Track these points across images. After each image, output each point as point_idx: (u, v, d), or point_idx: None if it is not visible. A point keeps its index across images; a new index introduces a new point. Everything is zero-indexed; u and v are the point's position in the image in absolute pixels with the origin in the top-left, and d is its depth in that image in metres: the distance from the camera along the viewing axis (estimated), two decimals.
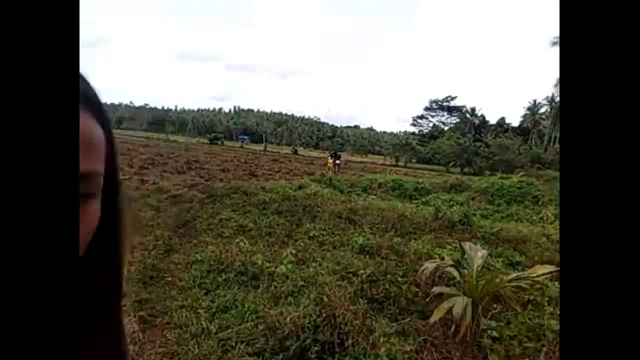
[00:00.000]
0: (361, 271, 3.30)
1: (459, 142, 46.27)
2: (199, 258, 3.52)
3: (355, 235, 4.83)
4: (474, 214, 8.91)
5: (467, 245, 3.02)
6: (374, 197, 8.57)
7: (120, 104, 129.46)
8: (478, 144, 44.95)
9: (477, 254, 2.86)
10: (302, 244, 4.29)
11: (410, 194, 12.09)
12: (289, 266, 3.40)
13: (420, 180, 14.02)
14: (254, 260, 3.43)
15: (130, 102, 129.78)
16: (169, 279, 3.32)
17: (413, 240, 4.71)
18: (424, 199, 11.48)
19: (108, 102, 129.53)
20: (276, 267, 3.37)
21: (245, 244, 4.02)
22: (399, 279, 3.30)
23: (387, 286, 3.13)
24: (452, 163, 41.54)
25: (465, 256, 2.98)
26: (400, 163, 46.95)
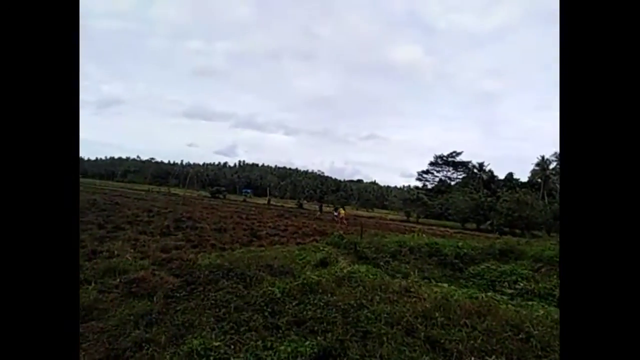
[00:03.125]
0: None
1: (472, 197, 44.25)
2: None
3: None
4: None
5: None
6: (443, 283, 5.92)
7: (127, 158, 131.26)
8: (490, 199, 42.82)
9: None
10: None
11: (451, 262, 9.75)
12: None
13: (460, 243, 11.43)
14: None
15: (137, 157, 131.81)
16: None
17: None
18: (472, 270, 8.99)
19: (115, 157, 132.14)
20: None
21: None
22: None
23: None
24: (487, 221, 39.19)
25: None
26: (411, 218, 44.32)
